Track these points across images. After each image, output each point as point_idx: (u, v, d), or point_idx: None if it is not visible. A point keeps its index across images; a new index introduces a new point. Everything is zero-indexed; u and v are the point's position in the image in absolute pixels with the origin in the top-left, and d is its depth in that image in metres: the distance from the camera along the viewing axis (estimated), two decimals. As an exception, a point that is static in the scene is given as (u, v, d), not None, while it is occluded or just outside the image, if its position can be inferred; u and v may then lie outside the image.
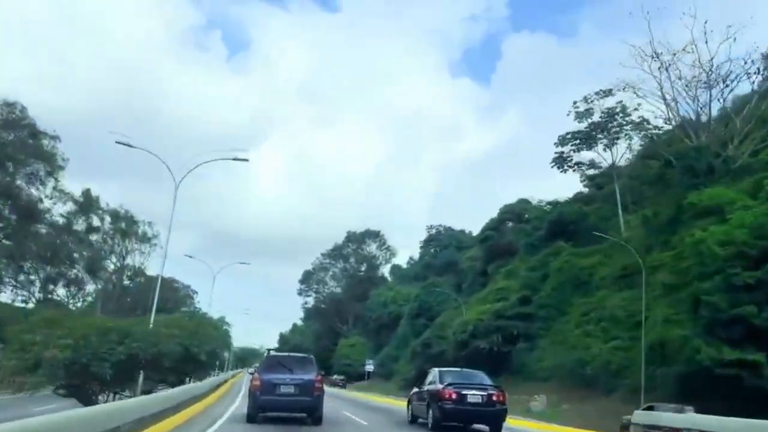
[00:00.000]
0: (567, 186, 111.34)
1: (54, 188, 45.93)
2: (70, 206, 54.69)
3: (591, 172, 52.47)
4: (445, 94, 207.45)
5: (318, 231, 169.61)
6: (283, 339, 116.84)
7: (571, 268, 43.75)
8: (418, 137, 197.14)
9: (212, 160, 24.40)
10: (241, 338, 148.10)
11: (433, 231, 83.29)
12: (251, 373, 19.22)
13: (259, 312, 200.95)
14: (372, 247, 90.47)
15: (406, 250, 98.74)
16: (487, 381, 15.75)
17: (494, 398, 14.39)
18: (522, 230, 61.76)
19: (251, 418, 14.12)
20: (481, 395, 14.28)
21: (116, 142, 22.66)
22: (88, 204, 67.45)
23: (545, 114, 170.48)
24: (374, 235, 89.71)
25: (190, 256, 45.36)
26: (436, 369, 16.82)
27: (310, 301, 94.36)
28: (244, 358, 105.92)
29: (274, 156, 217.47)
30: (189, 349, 28.73)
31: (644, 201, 44.52)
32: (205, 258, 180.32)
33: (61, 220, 52.31)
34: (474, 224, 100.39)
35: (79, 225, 67.35)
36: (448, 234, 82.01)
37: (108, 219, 70.68)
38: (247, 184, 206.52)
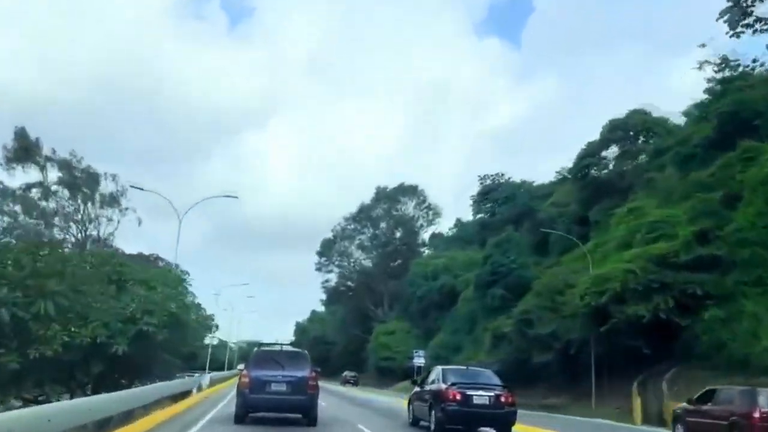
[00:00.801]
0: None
1: None
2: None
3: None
4: (471, 58, 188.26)
5: (333, 215, 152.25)
6: (300, 329, 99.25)
7: (793, 174, 25.63)
8: (442, 107, 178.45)
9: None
10: (250, 333, 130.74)
11: (488, 182, 65.20)
12: (240, 370, 15.51)
13: (272, 305, 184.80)
14: (408, 207, 72.24)
15: (445, 221, 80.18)
16: (495, 380, 14.68)
17: (502, 399, 13.55)
18: (635, 152, 43.92)
19: (239, 419, 13.44)
20: (488, 396, 13.50)
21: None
22: (22, 149, 50.54)
23: (586, 73, 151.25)
24: (411, 191, 71.33)
25: (140, 188, 28.20)
26: (439, 367, 15.81)
27: (332, 278, 76.92)
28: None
29: (283, 135, 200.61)
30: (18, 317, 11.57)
31: None
32: (211, 250, 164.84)
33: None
34: (534, 176, 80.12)
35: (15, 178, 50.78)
36: (509, 184, 63.90)
37: (56, 172, 53.86)
38: (255, 167, 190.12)
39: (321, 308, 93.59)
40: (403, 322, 59.83)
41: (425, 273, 58.64)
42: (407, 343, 56.84)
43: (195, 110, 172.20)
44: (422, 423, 14.97)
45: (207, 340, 53.63)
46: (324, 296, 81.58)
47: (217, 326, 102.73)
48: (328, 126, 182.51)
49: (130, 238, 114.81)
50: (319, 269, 75.46)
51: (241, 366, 14.89)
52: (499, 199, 63.69)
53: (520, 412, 14.46)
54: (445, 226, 76.50)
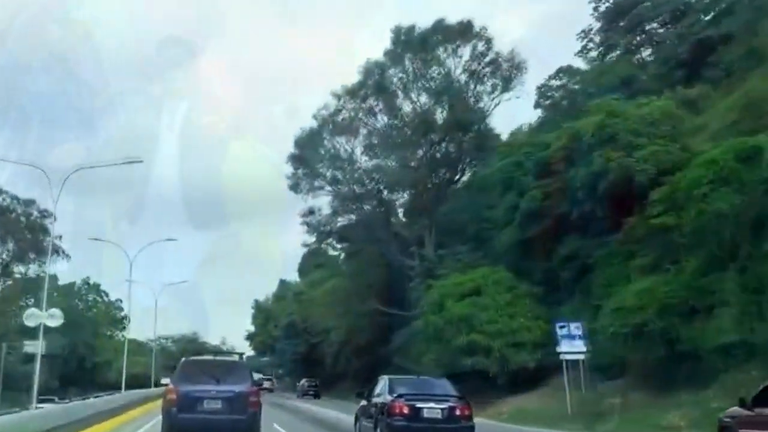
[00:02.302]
0: None
1: None
2: None
3: None
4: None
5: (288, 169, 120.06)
6: (263, 314, 67.37)
7: None
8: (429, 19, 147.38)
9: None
10: (185, 326, 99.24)
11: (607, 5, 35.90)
12: (164, 385, 15.20)
13: (221, 290, 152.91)
14: (457, 63, 38.92)
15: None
16: (451, 391, 13.80)
17: (457, 412, 12.78)
18: None
19: None
20: (440, 409, 12.73)
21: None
22: None
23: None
24: (461, 33, 38.04)
25: None
26: (386, 376, 14.85)
27: (321, 205, 42.45)
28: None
29: (226, 64, 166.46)
30: None
31: None
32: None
33: None
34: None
35: None
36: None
37: None
38: (183, 114, 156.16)
39: (296, 273, 61.63)
40: (493, 271, 29.84)
41: (535, 160, 29.05)
42: (515, 311, 27.50)
43: (105, 51, 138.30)
44: None
45: (31, 323, 24.42)
46: (310, 239, 46.20)
47: (126, 318, 71.54)
48: (283, 51, 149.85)
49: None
50: (295, 188, 40.96)
51: (166, 380, 13.14)
52: (649, 18, 34.82)
53: None
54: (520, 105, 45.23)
